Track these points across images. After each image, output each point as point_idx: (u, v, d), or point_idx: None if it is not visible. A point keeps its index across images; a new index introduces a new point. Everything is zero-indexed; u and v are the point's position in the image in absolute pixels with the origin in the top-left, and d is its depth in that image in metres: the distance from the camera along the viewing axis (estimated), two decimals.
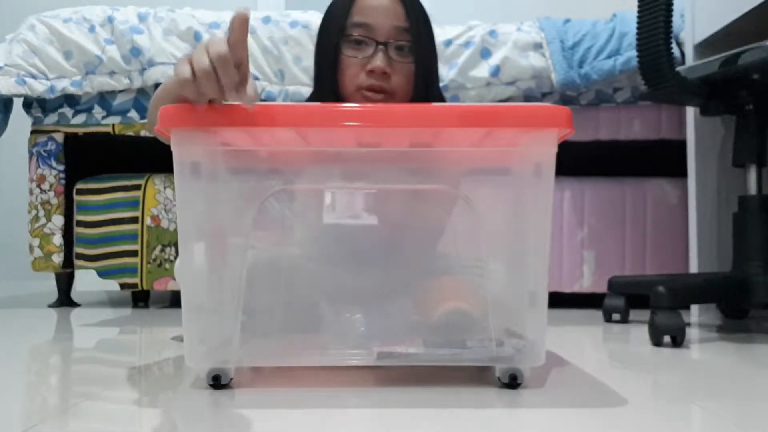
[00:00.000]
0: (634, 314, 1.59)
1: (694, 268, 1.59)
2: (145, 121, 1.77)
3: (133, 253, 1.79)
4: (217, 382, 0.73)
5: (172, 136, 0.72)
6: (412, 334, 0.78)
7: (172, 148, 0.73)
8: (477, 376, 0.80)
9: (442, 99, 1.10)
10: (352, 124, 0.70)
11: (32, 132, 1.84)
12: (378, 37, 0.98)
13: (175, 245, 1.78)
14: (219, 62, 0.67)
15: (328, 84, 1.02)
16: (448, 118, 0.70)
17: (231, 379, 0.74)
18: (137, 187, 1.80)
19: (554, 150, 0.73)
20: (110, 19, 1.77)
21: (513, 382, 0.74)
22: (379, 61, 0.97)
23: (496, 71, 1.72)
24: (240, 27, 0.70)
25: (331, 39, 1.01)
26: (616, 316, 1.52)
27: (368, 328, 0.79)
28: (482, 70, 1.72)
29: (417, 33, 1.00)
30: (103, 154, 2.02)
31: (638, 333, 1.27)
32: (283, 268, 0.81)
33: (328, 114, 0.71)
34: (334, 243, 0.81)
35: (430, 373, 0.80)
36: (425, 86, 1.02)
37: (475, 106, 0.72)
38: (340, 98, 1.02)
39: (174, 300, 2.10)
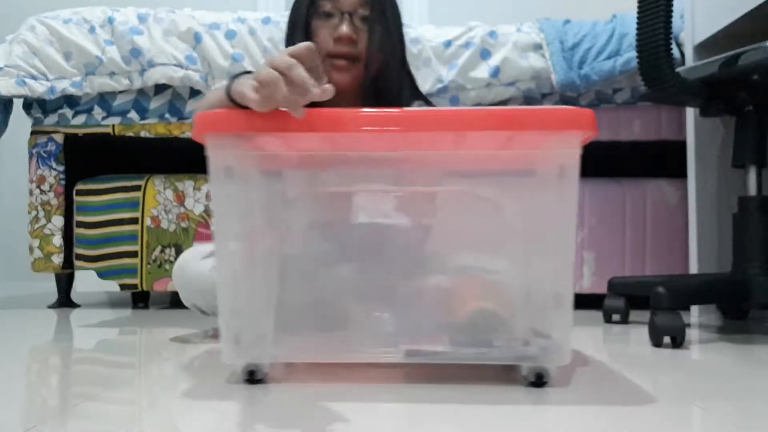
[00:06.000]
0: (634, 315, 1.59)
1: (694, 268, 1.59)
2: (144, 122, 1.78)
3: (133, 254, 1.79)
4: (252, 377, 0.76)
5: (207, 141, 0.76)
6: (440, 333, 0.81)
7: (207, 153, 0.77)
8: (504, 374, 0.82)
9: (405, 65, 1.16)
10: (379, 129, 0.72)
11: (32, 133, 1.84)
12: (344, 8, 1.06)
13: (175, 246, 1.78)
14: (285, 65, 0.69)
15: (293, 36, 1.09)
16: (474, 122, 0.72)
17: (266, 374, 0.78)
18: (137, 188, 1.80)
19: (578, 152, 0.74)
20: (110, 20, 1.78)
21: (539, 380, 0.76)
22: (345, 28, 1.04)
23: (495, 72, 1.72)
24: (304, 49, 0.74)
25: (301, 13, 1.09)
26: (616, 317, 1.52)
27: (396, 327, 0.81)
28: (482, 71, 1.72)
29: (380, 3, 1.08)
30: (103, 154, 2.02)
31: (638, 334, 1.27)
32: (313, 268, 0.83)
33: (357, 119, 0.73)
34: (362, 244, 0.83)
35: (459, 372, 0.83)
36: (392, 52, 1.09)
37: (501, 109, 0.74)
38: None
39: (174, 301, 2.10)
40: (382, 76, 1.12)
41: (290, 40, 1.11)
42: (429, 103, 1.23)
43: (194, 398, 0.72)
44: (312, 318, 0.82)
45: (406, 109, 0.76)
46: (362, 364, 0.86)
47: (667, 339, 1.13)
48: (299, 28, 1.10)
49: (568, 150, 0.74)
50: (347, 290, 0.83)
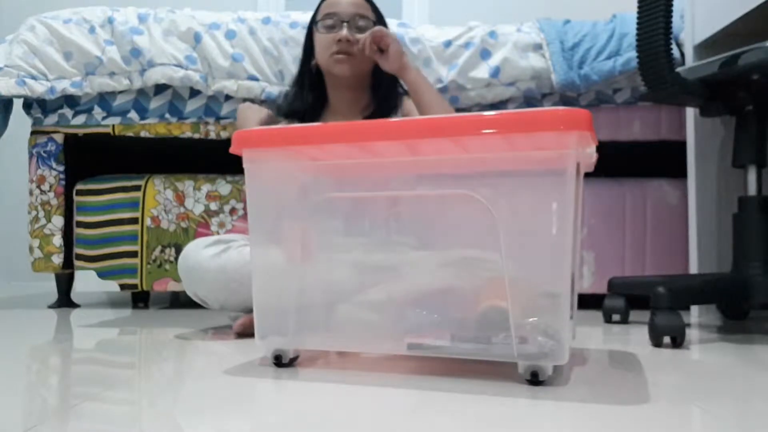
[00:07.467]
0: (634, 315, 1.59)
1: (694, 268, 1.59)
2: (144, 122, 1.78)
3: (133, 254, 1.79)
4: (279, 361, 0.90)
5: (245, 154, 0.90)
6: (442, 328, 0.85)
7: (245, 164, 0.90)
8: (506, 371, 0.85)
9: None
10: (398, 137, 0.79)
11: (32, 133, 1.84)
12: (343, 18, 1.40)
13: (175, 246, 1.78)
14: None
15: (307, 58, 1.48)
16: (473, 126, 0.76)
17: (291, 359, 0.91)
18: (137, 188, 1.80)
19: (574, 152, 0.75)
20: (110, 20, 1.78)
21: (535, 378, 0.77)
22: (344, 31, 1.38)
23: (495, 72, 1.72)
24: None
25: (308, 30, 1.48)
26: (616, 317, 1.52)
27: (401, 322, 0.87)
28: (482, 71, 1.72)
29: (373, 17, 1.43)
30: (103, 154, 2.02)
31: (638, 334, 1.27)
32: (331, 270, 0.91)
33: (379, 128, 0.81)
34: (375, 248, 0.89)
35: (463, 367, 0.88)
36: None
37: (498, 113, 0.76)
38: (317, 71, 1.46)
39: (174, 300, 2.10)
40: (375, 74, 1.46)
41: (304, 53, 1.50)
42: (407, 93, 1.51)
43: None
44: (326, 313, 0.91)
45: (427, 118, 0.80)
46: (378, 357, 0.97)
47: (667, 339, 1.13)
48: (306, 44, 1.48)
49: (565, 150, 0.75)
50: (357, 290, 0.90)
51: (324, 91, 1.48)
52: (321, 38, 1.41)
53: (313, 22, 1.46)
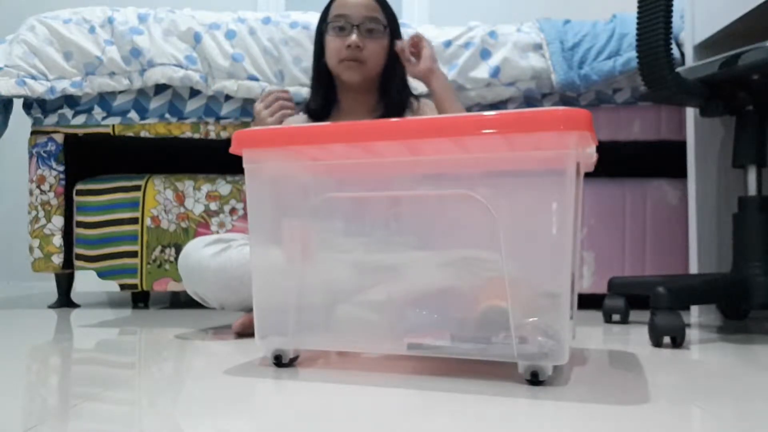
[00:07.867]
0: (634, 315, 1.59)
1: (694, 268, 1.59)
2: (144, 122, 1.78)
3: (133, 254, 1.79)
4: (279, 361, 0.90)
5: (245, 154, 0.90)
6: (442, 328, 0.85)
7: (245, 164, 0.90)
8: (507, 371, 0.85)
9: (402, 69, 1.44)
10: (400, 137, 0.79)
11: (32, 133, 1.84)
12: (353, 21, 1.37)
13: (175, 246, 1.78)
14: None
15: (316, 62, 1.45)
16: (473, 126, 0.76)
17: (291, 359, 0.91)
18: (137, 188, 1.80)
19: (574, 152, 0.75)
20: (110, 20, 1.78)
21: (535, 378, 0.77)
22: (354, 37, 1.35)
23: (495, 72, 1.72)
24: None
25: (318, 30, 1.44)
26: (616, 317, 1.52)
27: (401, 322, 0.87)
28: (482, 71, 1.72)
29: (384, 20, 1.40)
30: (103, 154, 2.02)
31: (638, 334, 1.27)
32: (331, 270, 0.91)
33: (379, 128, 0.81)
34: (375, 248, 0.89)
35: (463, 367, 0.88)
36: (391, 59, 1.42)
37: (498, 113, 0.76)
38: (327, 71, 1.43)
39: (174, 300, 2.10)
40: (385, 75, 1.44)
41: (315, 52, 1.47)
42: (417, 99, 1.50)
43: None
44: (326, 313, 0.91)
45: (430, 118, 0.79)
46: (378, 357, 0.97)
47: (667, 339, 1.13)
48: (317, 42, 1.45)
49: (565, 150, 0.75)
50: (357, 290, 0.89)
51: (335, 91, 1.47)
52: (331, 41, 1.39)
53: (323, 21, 1.43)
